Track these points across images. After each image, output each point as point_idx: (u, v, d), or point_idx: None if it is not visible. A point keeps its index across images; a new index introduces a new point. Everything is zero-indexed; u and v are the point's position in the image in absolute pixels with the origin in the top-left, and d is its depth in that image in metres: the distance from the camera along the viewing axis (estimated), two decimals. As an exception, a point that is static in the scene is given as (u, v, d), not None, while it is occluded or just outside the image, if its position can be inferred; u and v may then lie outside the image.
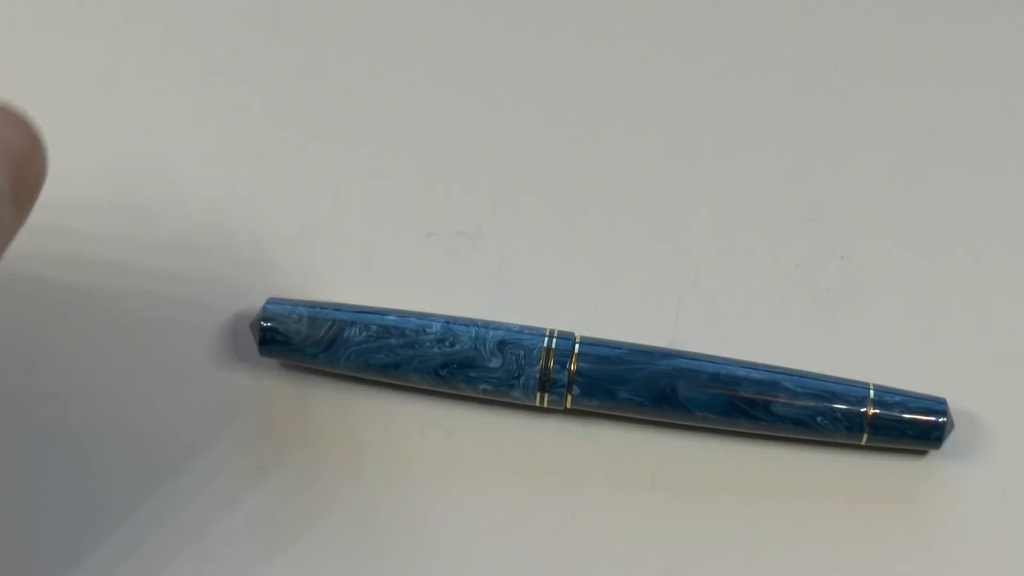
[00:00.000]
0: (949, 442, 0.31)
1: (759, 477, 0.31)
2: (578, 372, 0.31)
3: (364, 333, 0.31)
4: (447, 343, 0.31)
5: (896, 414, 0.30)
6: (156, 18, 0.37)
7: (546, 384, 0.31)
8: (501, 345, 0.31)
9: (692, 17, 0.37)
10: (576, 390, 0.31)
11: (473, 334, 0.31)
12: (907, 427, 0.30)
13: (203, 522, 0.31)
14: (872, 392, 0.31)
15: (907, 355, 0.33)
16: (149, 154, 0.35)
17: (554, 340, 0.31)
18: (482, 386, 0.31)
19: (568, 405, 0.31)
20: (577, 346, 0.31)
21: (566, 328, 0.31)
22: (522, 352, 0.31)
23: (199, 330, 0.33)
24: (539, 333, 0.31)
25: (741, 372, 0.31)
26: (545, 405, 0.31)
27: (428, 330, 0.31)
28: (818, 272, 0.34)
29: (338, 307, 0.31)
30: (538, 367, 0.31)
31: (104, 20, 0.37)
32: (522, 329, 0.31)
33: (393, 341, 0.31)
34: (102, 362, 0.32)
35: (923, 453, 0.31)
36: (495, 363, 0.31)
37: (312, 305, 0.31)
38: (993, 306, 0.33)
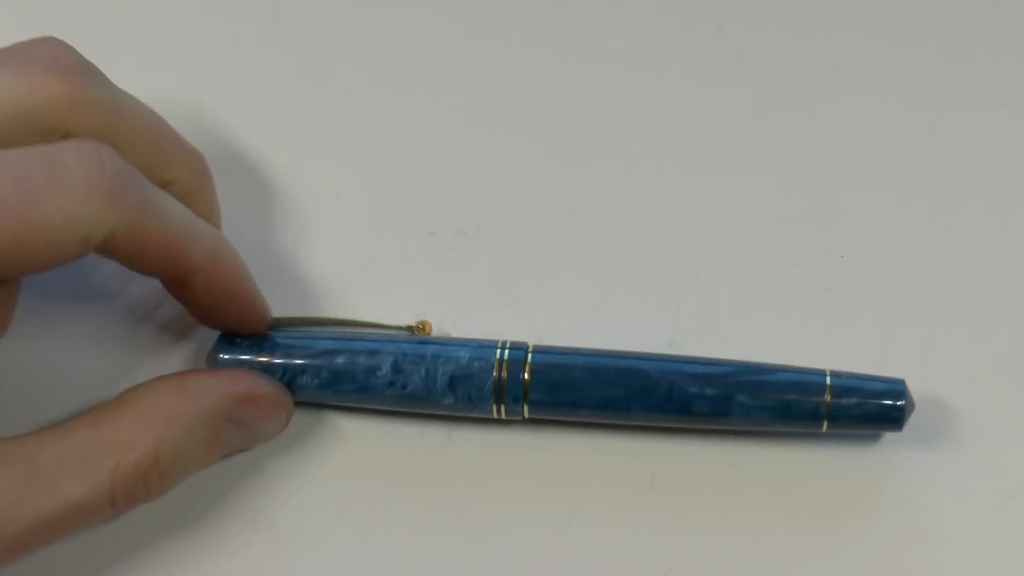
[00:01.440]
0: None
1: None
2: (530, 402, 0.30)
3: (316, 380, 0.31)
4: (399, 386, 0.31)
5: (854, 400, 0.30)
6: (156, 18, 0.37)
7: (502, 413, 0.31)
8: (452, 383, 0.30)
9: (693, 17, 0.37)
10: (531, 413, 0.31)
11: (423, 373, 0.31)
12: (866, 411, 0.30)
13: (202, 521, 0.31)
14: (829, 379, 0.30)
15: (906, 354, 0.33)
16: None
17: (504, 366, 0.30)
18: (441, 413, 0.31)
19: (525, 415, 0.31)
20: (529, 363, 0.30)
21: (570, 329, 0.31)
22: (473, 390, 0.30)
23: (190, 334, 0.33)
24: (488, 358, 0.30)
25: (694, 389, 0.30)
26: (503, 417, 0.31)
27: (378, 372, 0.31)
28: (818, 272, 0.34)
29: (288, 348, 0.31)
30: (491, 403, 0.30)
31: (104, 20, 0.37)
32: (471, 357, 0.31)
33: (346, 387, 0.31)
34: (89, 373, 0.32)
35: (881, 436, 0.31)
36: (449, 400, 0.31)
37: (259, 355, 0.31)
38: (994, 306, 0.33)
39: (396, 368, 0.31)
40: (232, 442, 0.30)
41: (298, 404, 0.31)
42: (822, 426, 0.30)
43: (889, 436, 0.31)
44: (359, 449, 0.32)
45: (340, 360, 0.31)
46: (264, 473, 0.31)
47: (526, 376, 0.30)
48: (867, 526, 0.31)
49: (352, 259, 0.34)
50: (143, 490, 0.27)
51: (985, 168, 0.35)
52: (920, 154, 0.35)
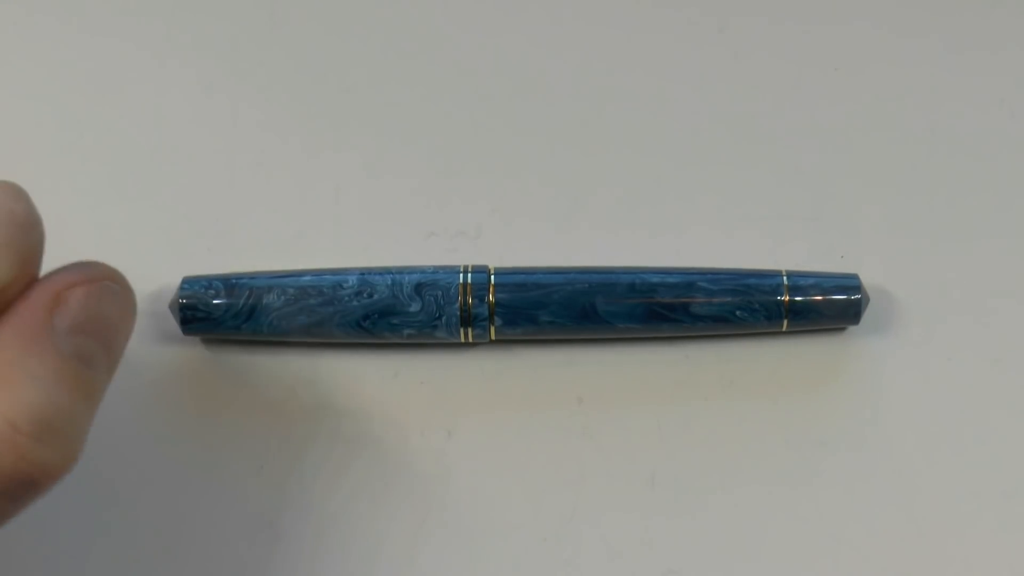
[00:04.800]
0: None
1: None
2: (497, 303, 0.31)
3: (282, 298, 0.31)
4: (365, 295, 0.31)
5: (812, 297, 0.31)
6: (156, 18, 0.37)
7: (468, 319, 0.31)
8: (419, 288, 0.31)
9: (693, 17, 0.37)
10: (498, 321, 0.31)
11: (389, 282, 0.31)
12: (824, 307, 0.31)
13: (202, 520, 0.31)
14: (786, 279, 0.31)
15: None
16: (149, 154, 0.35)
17: (469, 275, 0.31)
18: (406, 331, 0.31)
19: (492, 337, 0.31)
20: (493, 277, 0.31)
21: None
22: (440, 292, 0.31)
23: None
24: (454, 270, 0.31)
25: (656, 279, 0.31)
26: (470, 340, 0.31)
27: (345, 284, 0.31)
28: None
29: (253, 275, 0.32)
30: (457, 304, 0.31)
31: (105, 20, 0.37)
32: (437, 269, 0.31)
33: (312, 301, 0.31)
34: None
35: (843, 329, 0.32)
36: (415, 307, 0.31)
37: (227, 277, 0.32)
38: (993, 287, 0.33)
39: (363, 280, 0.31)
40: (91, 351, 0.25)
41: (260, 344, 0.32)
42: (783, 325, 0.31)
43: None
44: (358, 448, 0.32)
45: (307, 277, 0.31)
46: (264, 472, 0.31)
47: (491, 299, 0.31)
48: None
49: (353, 259, 0.34)
50: (33, 467, 0.23)
51: (985, 166, 0.35)
52: (920, 154, 0.35)
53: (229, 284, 0.31)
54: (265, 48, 0.37)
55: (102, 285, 0.25)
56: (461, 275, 0.31)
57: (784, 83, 0.36)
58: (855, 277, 0.32)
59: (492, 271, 0.31)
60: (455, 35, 0.37)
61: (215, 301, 0.31)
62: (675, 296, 0.31)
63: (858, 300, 0.31)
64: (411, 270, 0.31)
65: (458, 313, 0.31)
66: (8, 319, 0.24)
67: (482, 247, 0.34)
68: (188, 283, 0.32)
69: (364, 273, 0.31)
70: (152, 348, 0.32)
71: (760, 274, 0.31)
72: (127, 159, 0.35)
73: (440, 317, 0.31)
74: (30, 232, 0.24)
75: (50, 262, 0.25)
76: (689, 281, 0.31)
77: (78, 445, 0.24)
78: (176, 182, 0.35)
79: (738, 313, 0.31)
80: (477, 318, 0.31)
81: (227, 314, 0.31)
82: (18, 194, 0.24)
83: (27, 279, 0.24)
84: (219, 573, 0.30)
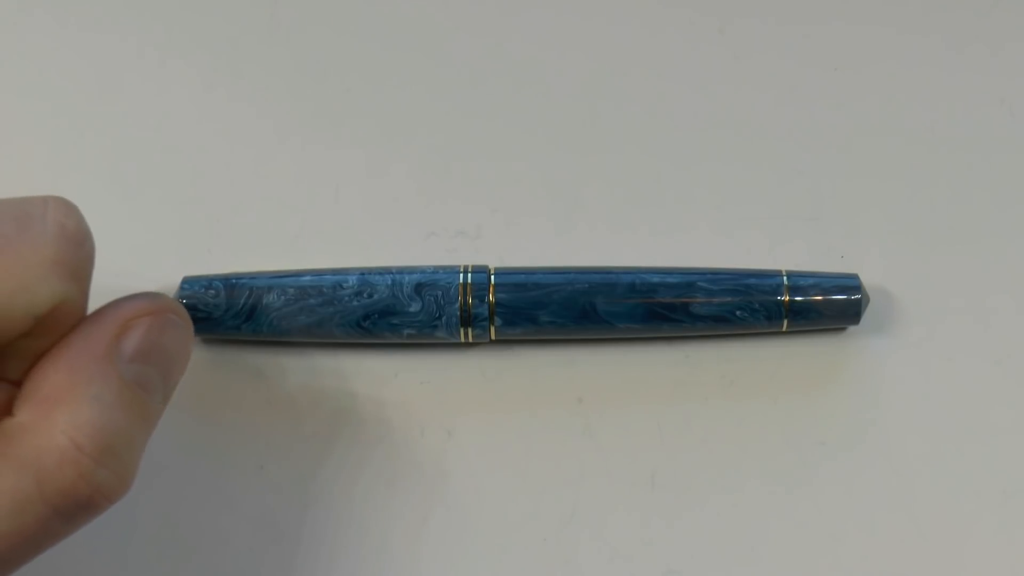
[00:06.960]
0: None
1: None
2: (497, 303, 0.31)
3: (282, 297, 0.31)
4: (365, 295, 0.31)
5: (812, 297, 0.31)
6: (157, 18, 0.37)
7: (468, 320, 0.31)
8: (419, 288, 0.31)
9: (693, 17, 0.37)
10: (498, 321, 0.31)
11: (389, 282, 0.31)
12: (824, 307, 0.31)
13: (203, 520, 0.31)
14: (786, 279, 0.31)
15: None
16: (149, 154, 0.35)
17: (469, 275, 0.31)
18: (406, 331, 0.31)
19: (492, 337, 0.31)
20: (493, 277, 0.31)
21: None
22: (440, 292, 0.31)
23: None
24: (454, 270, 0.31)
25: (656, 279, 0.31)
26: (470, 340, 0.31)
27: (345, 284, 0.31)
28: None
29: (254, 275, 0.32)
30: (457, 304, 0.31)
31: (105, 20, 0.37)
32: (437, 269, 0.31)
33: (312, 301, 0.31)
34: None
35: (843, 329, 0.32)
36: (415, 307, 0.31)
37: (227, 277, 0.32)
38: (993, 287, 0.33)
39: (363, 280, 0.31)
40: (151, 380, 0.26)
41: (260, 344, 0.32)
42: (783, 325, 0.31)
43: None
44: (358, 448, 0.32)
45: (307, 277, 0.31)
46: (264, 472, 0.31)
47: (491, 299, 0.31)
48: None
49: (352, 259, 0.34)
50: (92, 488, 0.24)
51: (985, 166, 0.35)
52: (920, 153, 0.35)
53: (229, 284, 0.31)
54: (265, 48, 0.37)
55: (166, 317, 0.26)
56: (461, 275, 0.31)
57: (784, 83, 0.36)
58: (855, 277, 0.32)
59: (492, 271, 0.31)
60: (455, 35, 0.37)
61: (215, 301, 0.31)
62: (675, 296, 0.31)
63: (858, 300, 0.31)
64: (411, 270, 0.31)
65: (458, 313, 0.31)
66: (75, 341, 0.25)
67: (482, 247, 0.34)
68: (188, 283, 0.32)
69: (364, 273, 0.31)
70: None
71: (760, 274, 0.31)
72: (127, 159, 0.35)
73: (440, 317, 0.31)
74: (81, 247, 0.25)
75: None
76: (689, 281, 0.31)
77: (134, 470, 0.25)
78: (176, 182, 0.35)
79: (738, 313, 0.31)
80: (477, 318, 0.31)
81: (227, 314, 0.31)
82: (68, 209, 0.25)
83: (79, 294, 0.25)
84: (219, 572, 0.30)
